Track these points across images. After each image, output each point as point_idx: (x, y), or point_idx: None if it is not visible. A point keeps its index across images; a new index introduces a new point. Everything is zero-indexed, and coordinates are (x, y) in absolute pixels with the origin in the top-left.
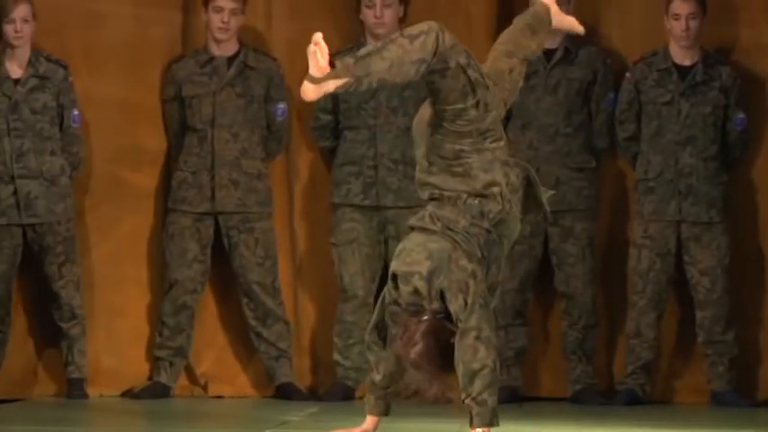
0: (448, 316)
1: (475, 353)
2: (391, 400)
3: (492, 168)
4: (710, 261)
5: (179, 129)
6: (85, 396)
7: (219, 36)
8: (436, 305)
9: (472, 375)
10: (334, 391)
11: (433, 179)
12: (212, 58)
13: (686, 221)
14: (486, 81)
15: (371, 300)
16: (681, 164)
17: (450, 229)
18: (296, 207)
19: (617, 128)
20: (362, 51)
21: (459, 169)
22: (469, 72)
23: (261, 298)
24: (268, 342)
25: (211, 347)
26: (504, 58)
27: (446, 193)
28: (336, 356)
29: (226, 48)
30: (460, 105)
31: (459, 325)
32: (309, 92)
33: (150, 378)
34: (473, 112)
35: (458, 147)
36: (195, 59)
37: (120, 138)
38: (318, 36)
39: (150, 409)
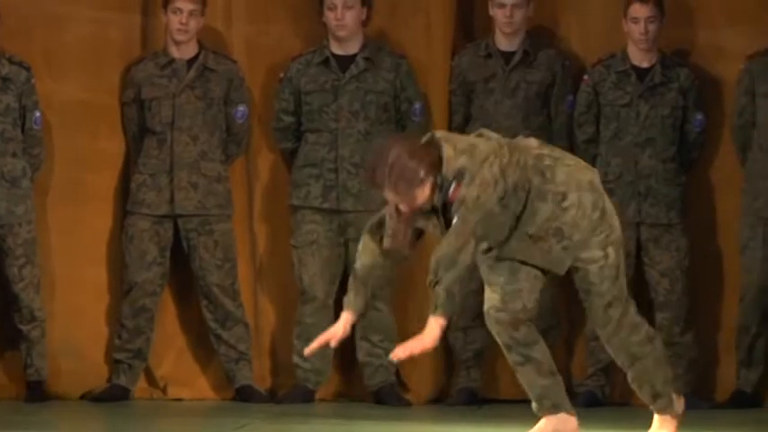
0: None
1: (448, 241)
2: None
3: None
4: (670, 263)
5: (138, 131)
6: (45, 398)
7: (179, 38)
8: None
9: (436, 263)
10: (294, 393)
11: None
12: (172, 61)
13: (645, 223)
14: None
15: (331, 302)
16: (640, 166)
17: (508, 149)
18: (256, 209)
19: (576, 130)
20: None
21: None
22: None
23: (220, 300)
24: (228, 344)
25: (171, 350)
26: None
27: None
28: (296, 359)
29: (185, 50)
30: None
31: (456, 215)
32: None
33: (109, 381)
34: None
35: None
36: (154, 62)
37: (81, 140)
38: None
39: (109, 412)
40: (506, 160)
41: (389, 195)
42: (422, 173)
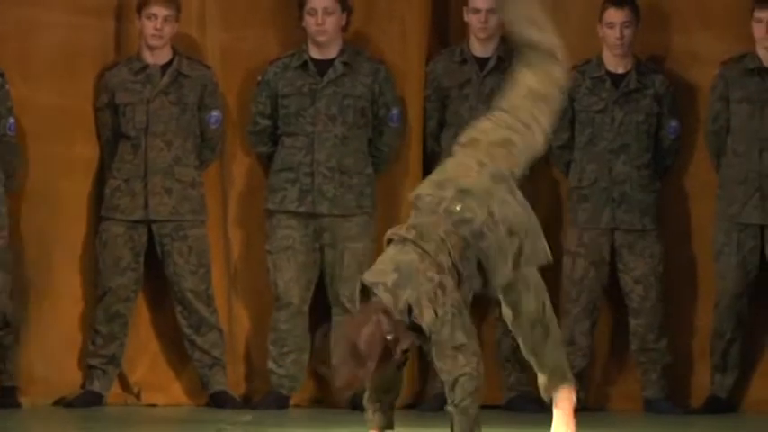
0: (416, 329)
1: (454, 361)
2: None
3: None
4: (644, 269)
5: (112, 136)
6: (18, 405)
7: (153, 43)
8: (400, 316)
9: (453, 383)
10: (269, 399)
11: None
12: (146, 66)
13: (620, 229)
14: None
15: (306, 308)
16: (615, 172)
17: (423, 238)
18: (230, 214)
19: (550, 136)
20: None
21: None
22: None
23: (194, 306)
24: (202, 350)
25: (145, 355)
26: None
27: (427, 198)
28: (271, 364)
29: (159, 55)
30: None
31: (433, 337)
32: None
33: (83, 386)
34: None
35: None
36: (128, 67)
37: (54, 145)
38: None
39: (83, 418)
40: (434, 257)
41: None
42: (390, 341)
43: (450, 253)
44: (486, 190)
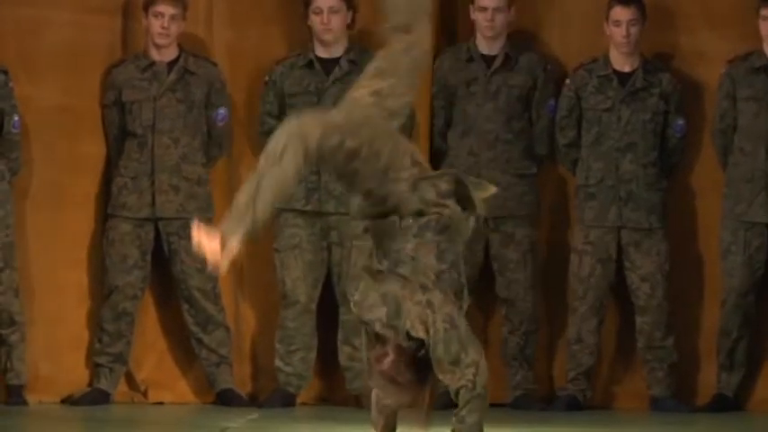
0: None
1: (453, 375)
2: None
3: (418, 187)
4: (650, 267)
5: (119, 134)
6: (24, 403)
7: (160, 41)
8: (407, 343)
9: (455, 394)
10: (275, 397)
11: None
12: (152, 63)
13: (626, 227)
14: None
15: (313, 306)
16: (621, 170)
17: (397, 263)
18: None
19: (557, 134)
20: (240, 200)
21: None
22: (347, 143)
23: (201, 304)
24: (208, 348)
25: (151, 354)
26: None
27: (380, 223)
28: (278, 363)
29: (166, 53)
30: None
31: (431, 355)
32: (221, 266)
33: (90, 385)
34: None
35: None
36: (135, 64)
37: (61, 143)
38: (195, 225)
39: (90, 416)
40: (414, 279)
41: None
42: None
43: (428, 265)
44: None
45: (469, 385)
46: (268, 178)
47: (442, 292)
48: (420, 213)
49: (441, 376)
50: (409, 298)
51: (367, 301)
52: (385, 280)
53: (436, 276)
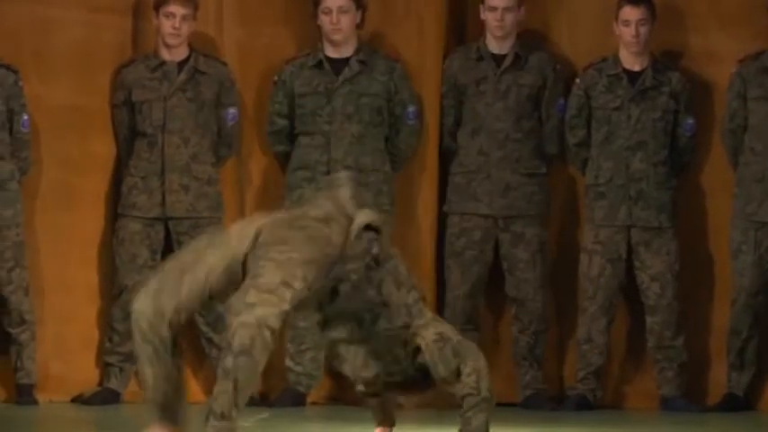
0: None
1: (459, 384)
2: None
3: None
4: (661, 266)
5: (129, 134)
6: (35, 402)
7: (171, 42)
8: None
9: (461, 400)
10: (286, 396)
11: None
12: (162, 63)
13: (636, 227)
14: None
15: None
16: (631, 169)
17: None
18: (247, 212)
19: (567, 133)
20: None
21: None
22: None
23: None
24: (219, 348)
25: None
26: None
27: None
28: (288, 362)
29: (176, 53)
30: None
31: (434, 377)
32: None
33: (100, 384)
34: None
35: None
36: (145, 64)
37: (71, 143)
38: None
39: (100, 415)
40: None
41: None
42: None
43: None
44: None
45: (474, 392)
46: (242, 376)
47: (418, 316)
48: (362, 267)
49: (446, 390)
50: (394, 348)
51: (356, 362)
52: (360, 346)
53: (407, 305)
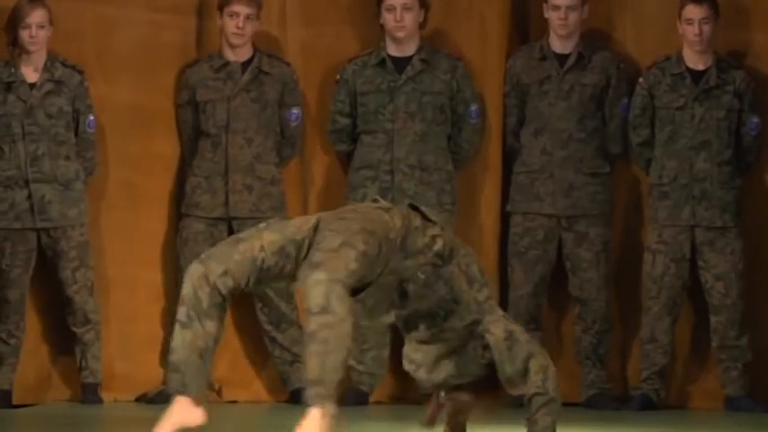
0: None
1: (524, 387)
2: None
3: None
4: (725, 266)
5: (193, 134)
6: (99, 401)
7: (234, 41)
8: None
9: (528, 401)
10: (348, 395)
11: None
12: (226, 63)
13: (700, 226)
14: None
15: None
16: (695, 169)
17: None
18: (310, 211)
19: (630, 133)
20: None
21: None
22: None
23: (275, 302)
24: (282, 347)
25: (226, 352)
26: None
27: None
28: (351, 361)
29: (240, 53)
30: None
31: (501, 376)
32: None
33: (164, 383)
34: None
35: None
36: (209, 64)
37: (135, 143)
38: None
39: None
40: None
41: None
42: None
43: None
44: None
45: (541, 391)
46: (328, 333)
47: (489, 312)
48: (428, 264)
49: (512, 391)
50: (473, 348)
51: (428, 361)
52: (432, 344)
53: (478, 302)
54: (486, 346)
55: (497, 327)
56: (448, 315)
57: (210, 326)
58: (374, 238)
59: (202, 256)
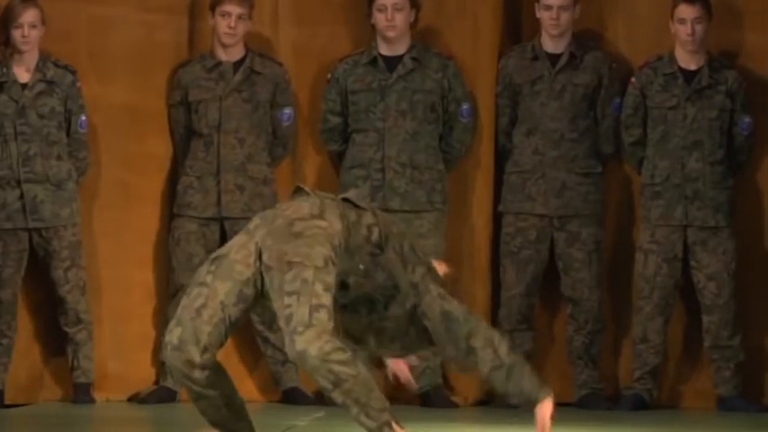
0: None
1: (475, 365)
2: None
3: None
4: (717, 266)
5: (185, 133)
6: (92, 401)
7: (226, 41)
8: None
9: (487, 379)
10: None
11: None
12: (219, 63)
13: (693, 226)
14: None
15: None
16: (687, 168)
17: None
18: None
19: (623, 133)
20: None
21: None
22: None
23: (266, 302)
24: (274, 347)
25: (218, 353)
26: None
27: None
28: None
29: (232, 53)
30: None
31: (446, 358)
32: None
33: (156, 383)
34: None
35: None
36: (201, 64)
37: (127, 142)
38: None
39: (156, 414)
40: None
41: None
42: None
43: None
44: None
45: (496, 364)
46: (355, 393)
47: (425, 292)
48: (368, 254)
49: (465, 372)
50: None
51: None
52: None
53: (414, 285)
54: (426, 329)
55: (433, 310)
56: (388, 302)
57: (218, 387)
58: (328, 268)
59: (174, 340)
